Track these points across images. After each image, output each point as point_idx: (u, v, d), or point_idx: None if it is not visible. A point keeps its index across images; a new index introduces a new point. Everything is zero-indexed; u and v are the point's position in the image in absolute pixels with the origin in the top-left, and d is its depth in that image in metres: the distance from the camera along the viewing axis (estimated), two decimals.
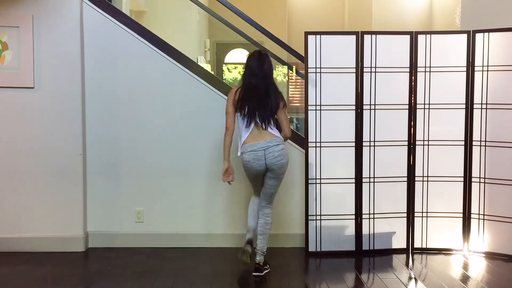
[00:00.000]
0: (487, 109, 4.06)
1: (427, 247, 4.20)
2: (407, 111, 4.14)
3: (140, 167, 4.25)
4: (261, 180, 3.66)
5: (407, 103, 4.14)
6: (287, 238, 4.27)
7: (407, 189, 4.17)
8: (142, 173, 4.26)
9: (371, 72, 4.10)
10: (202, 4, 5.69)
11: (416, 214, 4.19)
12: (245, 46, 9.23)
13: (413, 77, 4.13)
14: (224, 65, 9.90)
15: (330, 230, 4.14)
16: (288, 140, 4.18)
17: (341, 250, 4.14)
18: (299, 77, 7.86)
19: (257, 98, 3.52)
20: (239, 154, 3.61)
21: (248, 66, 3.60)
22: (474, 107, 4.10)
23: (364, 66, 4.09)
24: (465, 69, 4.10)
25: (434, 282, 3.56)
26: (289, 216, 4.29)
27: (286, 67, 7.61)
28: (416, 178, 4.17)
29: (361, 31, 4.11)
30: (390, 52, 4.11)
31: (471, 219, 4.15)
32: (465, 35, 4.10)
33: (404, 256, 4.14)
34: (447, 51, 4.11)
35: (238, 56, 9.74)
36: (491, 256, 4.06)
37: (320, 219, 4.13)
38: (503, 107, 4.01)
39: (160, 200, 4.28)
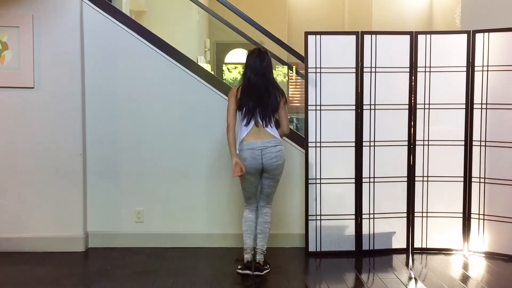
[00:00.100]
0: (487, 109, 4.06)
1: (427, 247, 4.20)
2: (407, 111, 4.14)
3: (140, 167, 4.25)
4: (257, 181, 3.64)
5: (407, 103, 4.14)
6: (287, 238, 4.27)
7: (407, 189, 4.17)
8: (142, 173, 4.26)
9: (371, 72, 4.10)
10: (202, 4, 5.69)
11: (416, 214, 4.19)
12: (245, 46, 9.20)
13: (413, 77, 4.13)
14: (224, 65, 9.89)
15: (330, 230, 4.14)
16: (288, 140, 4.18)
17: (341, 250, 4.14)
18: (299, 77, 7.86)
19: (257, 96, 3.53)
20: (237, 152, 3.61)
21: (248, 63, 3.61)
22: (474, 107, 4.10)
23: (364, 66, 4.09)
24: (465, 69, 4.10)
25: (434, 282, 3.56)
26: (289, 216, 4.29)
27: (286, 67, 7.61)
28: (416, 178, 4.17)
29: (361, 31, 4.11)
30: (390, 52, 4.11)
31: (471, 219, 4.15)
32: (465, 35, 4.10)
33: (404, 256, 4.14)
34: (447, 51, 4.11)
35: (238, 56, 9.73)
36: (491, 256, 4.06)
37: (320, 219, 4.13)
38: (503, 107, 4.01)
39: (160, 200, 4.28)
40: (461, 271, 3.84)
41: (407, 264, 3.99)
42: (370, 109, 4.11)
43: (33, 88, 4.09)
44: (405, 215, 4.19)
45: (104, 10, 4.16)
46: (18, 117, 4.11)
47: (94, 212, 4.26)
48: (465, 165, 4.14)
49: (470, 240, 4.16)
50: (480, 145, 4.09)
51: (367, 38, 4.09)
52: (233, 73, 9.86)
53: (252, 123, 3.55)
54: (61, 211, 4.16)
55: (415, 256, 4.13)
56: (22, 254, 4.07)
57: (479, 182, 4.11)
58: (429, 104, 4.14)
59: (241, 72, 3.69)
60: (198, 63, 5.33)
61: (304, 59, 4.12)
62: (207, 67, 7.10)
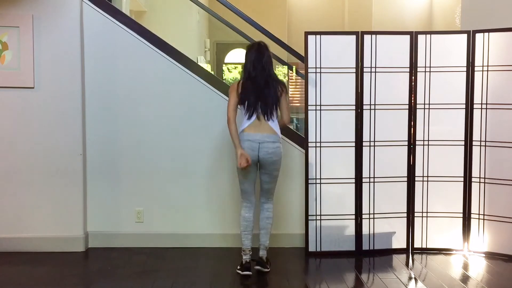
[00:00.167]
0: (487, 109, 4.06)
1: (427, 247, 4.20)
2: (407, 111, 4.14)
3: (140, 167, 4.25)
4: (253, 174, 3.65)
5: (407, 103, 4.14)
6: (287, 238, 4.27)
7: (407, 189, 4.17)
8: (142, 173, 4.26)
9: (371, 72, 4.10)
10: (202, 4, 5.69)
11: (416, 214, 4.19)
12: (245, 46, 9.14)
13: (413, 77, 4.13)
14: (224, 65, 9.90)
15: (330, 230, 4.14)
16: (288, 140, 4.18)
17: (341, 250, 4.14)
18: (299, 77, 7.87)
19: (257, 90, 3.56)
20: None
21: (247, 58, 3.65)
22: (474, 107, 4.10)
23: (364, 66, 4.09)
24: (465, 69, 4.10)
25: (434, 282, 3.56)
26: (289, 216, 4.29)
27: (286, 67, 7.61)
28: (416, 178, 4.17)
29: (361, 31, 4.11)
30: (390, 52, 4.11)
31: (471, 219, 4.15)
32: (465, 35, 4.10)
33: (404, 256, 4.14)
34: (447, 51, 4.11)
35: (238, 56, 9.73)
36: (491, 256, 4.06)
37: (320, 219, 4.13)
38: (503, 107, 4.01)
39: (160, 200, 4.28)
40: (461, 271, 3.84)
41: (407, 264, 3.99)
42: (370, 109, 4.11)
43: (33, 88, 4.09)
44: (405, 215, 4.19)
45: (104, 10, 4.16)
46: (18, 117, 4.11)
47: (94, 212, 4.26)
48: (465, 165, 4.14)
49: (470, 240, 4.16)
50: (480, 145, 4.09)
51: (367, 38, 4.09)
52: (233, 73, 9.86)
53: (254, 116, 3.58)
54: (61, 211, 4.16)
55: (415, 256, 4.13)
56: (22, 254, 4.07)
57: (479, 182, 4.11)
58: (429, 104, 4.14)
59: (242, 65, 3.71)
60: (198, 63, 5.33)
61: (304, 59, 4.12)
62: (207, 67, 7.10)
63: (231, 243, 4.22)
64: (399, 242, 4.20)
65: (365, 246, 4.15)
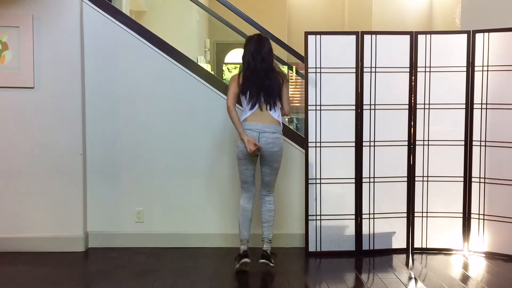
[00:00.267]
0: (487, 109, 4.06)
1: (427, 247, 4.20)
2: (407, 111, 4.14)
3: (140, 167, 4.25)
4: (253, 165, 3.67)
5: (407, 103, 4.14)
6: (287, 238, 4.27)
7: (407, 189, 4.17)
8: (142, 173, 4.26)
9: (371, 72, 4.10)
10: (202, 4, 5.69)
11: (416, 214, 4.19)
12: None
13: (413, 77, 4.13)
14: (224, 65, 9.89)
15: (330, 230, 4.14)
16: (288, 140, 4.18)
17: (341, 250, 4.14)
18: (299, 77, 7.86)
19: (258, 80, 3.57)
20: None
21: (247, 49, 3.66)
22: (474, 107, 4.10)
23: (364, 66, 4.09)
24: (465, 69, 4.10)
25: (434, 282, 3.56)
26: (289, 216, 4.29)
27: (286, 67, 7.61)
28: (416, 178, 4.17)
29: (361, 31, 4.11)
30: (390, 52, 4.11)
31: (471, 219, 4.15)
32: (465, 35, 4.10)
33: (404, 256, 4.14)
34: (447, 51, 4.11)
35: (238, 56, 9.70)
36: (491, 256, 4.06)
37: (320, 219, 4.13)
38: (503, 107, 4.01)
39: (160, 200, 4.28)
40: (461, 271, 3.84)
41: (407, 264, 3.99)
42: (370, 109, 4.11)
43: (33, 88, 4.09)
44: (405, 215, 4.19)
45: (104, 10, 4.16)
46: (18, 117, 4.11)
47: (94, 212, 4.26)
48: (465, 165, 4.14)
49: (470, 240, 4.16)
50: (480, 145, 4.09)
51: (367, 38, 4.09)
52: (233, 73, 9.86)
53: (256, 106, 3.60)
54: (61, 211, 4.16)
55: (415, 256, 4.13)
56: (22, 254, 4.07)
57: (479, 182, 4.11)
58: (429, 104, 4.14)
59: (242, 57, 3.72)
60: (198, 63, 5.33)
61: (304, 59, 4.12)
62: (207, 67, 7.10)
63: (231, 243, 4.22)
64: (399, 242, 4.20)
65: (365, 246, 4.15)
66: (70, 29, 4.08)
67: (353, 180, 4.14)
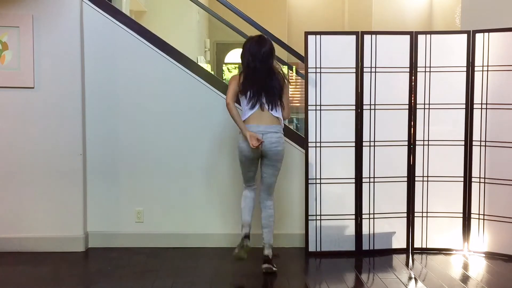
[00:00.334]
0: (487, 109, 4.06)
1: (427, 247, 4.20)
2: (407, 111, 4.14)
3: (140, 167, 4.25)
4: (255, 167, 3.66)
5: (407, 103, 4.14)
6: (287, 238, 4.27)
7: (407, 189, 4.17)
8: (142, 173, 4.26)
9: (371, 72, 4.10)
10: (202, 4, 5.69)
11: (416, 214, 4.19)
12: None
13: (413, 77, 4.13)
14: (224, 65, 9.89)
15: (330, 230, 4.14)
16: (288, 140, 4.18)
17: (341, 250, 4.14)
18: (299, 77, 7.86)
19: (259, 80, 3.55)
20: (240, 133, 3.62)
21: (246, 48, 3.62)
22: (474, 107, 4.10)
23: (364, 66, 4.09)
24: (465, 69, 4.10)
25: (434, 282, 3.56)
26: (289, 216, 4.29)
27: (286, 67, 7.61)
28: (416, 178, 4.17)
29: (361, 31, 4.11)
30: (390, 52, 4.11)
31: (471, 219, 4.15)
32: (465, 35, 4.10)
33: (404, 256, 4.14)
34: (447, 51, 4.11)
35: (238, 56, 9.71)
36: (491, 256, 4.06)
37: (320, 219, 4.13)
38: (503, 107, 4.01)
39: (160, 200, 4.28)
40: (461, 271, 3.84)
41: (407, 264, 3.99)
42: (370, 109, 4.11)
43: (33, 88, 4.09)
44: (405, 215, 4.19)
45: (104, 10, 4.16)
46: (18, 117, 4.11)
47: (94, 212, 4.25)
48: (465, 165, 4.14)
49: (470, 240, 4.16)
50: (480, 145, 4.09)
51: (367, 38, 4.09)
52: (233, 73, 9.86)
53: (257, 106, 3.57)
54: (61, 211, 4.16)
55: (415, 256, 4.13)
56: (22, 254, 4.07)
57: (479, 182, 4.11)
58: (429, 104, 4.14)
59: (241, 56, 3.68)
60: (198, 63, 5.33)
61: (304, 59, 4.12)
62: (207, 67, 7.10)
63: (231, 243, 4.21)
64: (399, 242, 4.20)
65: (365, 246, 4.15)
66: (70, 29, 4.08)
67: (353, 180, 4.14)
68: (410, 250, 4.20)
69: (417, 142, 4.16)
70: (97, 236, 4.25)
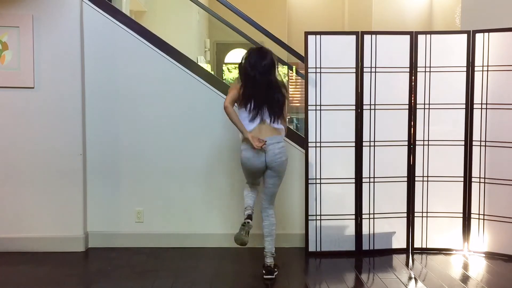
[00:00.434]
0: (487, 109, 4.06)
1: (427, 247, 4.20)
2: (407, 111, 4.14)
3: (140, 167, 4.25)
4: (260, 176, 3.65)
5: (407, 103, 4.14)
6: (287, 238, 4.27)
7: (407, 189, 4.17)
8: (142, 173, 4.26)
9: (371, 72, 4.10)
10: (202, 4, 5.69)
11: (416, 214, 4.19)
12: (245, 46, 9.17)
13: (413, 77, 4.13)
14: (224, 65, 9.89)
15: (330, 230, 4.14)
16: (288, 140, 4.18)
17: (341, 250, 4.14)
18: (299, 77, 7.86)
19: (259, 93, 3.49)
20: (241, 138, 3.60)
21: (247, 61, 3.54)
22: (474, 107, 4.10)
23: (364, 66, 4.09)
24: (465, 69, 4.10)
25: (434, 282, 3.56)
26: (289, 216, 4.29)
27: (286, 67, 7.61)
28: (416, 178, 4.17)
29: (361, 31, 4.11)
30: (390, 52, 4.11)
31: (471, 219, 4.15)
32: (465, 35, 4.10)
33: (404, 256, 4.14)
34: (447, 51, 4.11)
35: (238, 56, 9.72)
36: (491, 256, 4.06)
37: (320, 219, 4.13)
38: (503, 107, 4.01)
39: (160, 200, 4.28)
40: (461, 271, 3.84)
41: (407, 264, 3.99)
42: (370, 109, 4.11)
43: (33, 88, 4.09)
44: (405, 215, 4.19)
45: (104, 10, 4.16)
46: (18, 117, 4.11)
47: (94, 212, 4.26)
48: (465, 165, 4.14)
49: (470, 240, 4.16)
50: (480, 145, 4.09)
51: (367, 38, 4.09)
52: (233, 73, 9.86)
53: (257, 120, 3.51)
54: (61, 211, 4.16)
55: (415, 256, 4.13)
56: (22, 254, 4.07)
57: (479, 182, 4.11)
58: (429, 104, 4.14)
59: (240, 66, 3.61)
60: (198, 63, 5.33)
61: (304, 59, 4.12)
62: (207, 67, 7.10)
63: (231, 243, 4.20)
64: (399, 242, 4.20)
65: (365, 246, 4.16)
66: (70, 29, 4.08)
67: (353, 180, 4.14)
68: (410, 250, 4.20)
69: (417, 142, 4.16)
70: (97, 236, 4.25)
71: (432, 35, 4.13)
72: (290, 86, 9.55)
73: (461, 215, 4.17)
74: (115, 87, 4.21)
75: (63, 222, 4.16)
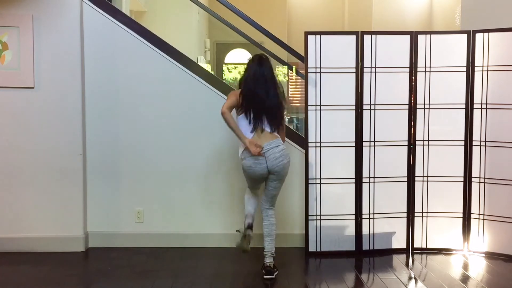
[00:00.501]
0: (487, 109, 4.06)
1: (427, 247, 4.20)
2: (407, 111, 4.14)
3: (140, 167, 4.25)
4: (262, 183, 3.66)
5: (407, 103, 4.14)
6: (287, 238, 4.27)
7: (407, 189, 4.17)
8: (142, 173, 4.26)
9: (371, 72, 4.10)
10: (202, 4, 5.69)
11: (416, 214, 4.19)
12: (245, 46, 9.23)
13: (413, 77, 4.13)
14: (224, 65, 9.90)
15: (330, 230, 4.14)
16: (288, 140, 4.18)
17: (341, 250, 4.14)
18: (299, 77, 7.86)
19: (261, 102, 3.49)
20: (240, 154, 3.60)
21: (248, 70, 3.57)
22: (474, 107, 4.10)
23: (364, 66, 4.09)
24: (465, 69, 4.10)
25: (434, 282, 3.56)
26: (289, 216, 4.29)
27: (286, 67, 7.61)
28: (416, 178, 4.17)
29: (361, 31, 4.11)
30: (390, 52, 4.11)
31: (471, 219, 4.15)
32: (465, 35, 4.10)
33: (404, 256, 4.14)
34: (447, 51, 4.11)
35: (238, 56, 9.73)
36: (491, 256, 4.06)
37: (320, 219, 4.13)
38: (503, 107, 4.01)
39: (160, 200, 4.28)
40: (461, 271, 3.84)
41: (407, 264, 3.99)
42: (370, 109, 4.11)
43: (33, 88, 4.09)
44: (405, 215, 4.19)
45: (104, 10, 4.16)
46: (18, 117, 4.11)
47: (94, 212, 4.26)
48: (465, 165, 4.14)
49: (470, 240, 4.16)
50: (480, 145, 4.09)
51: (367, 38, 4.09)
52: (233, 73, 9.86)
53: (257, 127, 3.52)
54: (61, 211, 4.16)
55: (415, 256, 4.13)
56: (22, 254, 4.07)
57: (479, 182, 4.11)
58: (429, 104, 4.14)
59: (241, 77, 3.65)
60: (198, 63, 5.33)
61: (304, 59, 4.12)
62: (207, 67, 7.10)
63: (231, 243, 4.21)
64: (399, 242, 4.20)
65: (365, 246, 4.15)
66: (70, 29, 4.08)
67: (353, 180, 4.14)
68: (410, 250, 4.20)
69: (417, 142, 4.16)
70: (97, 236, 4.25)
71: (432, 35, 4.14)
72: (290, 86, 9.56)
73: (461, 215, 4.17)
74: (115, 87, 4.21)
75: (63, 222, 4.16)
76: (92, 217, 4.26)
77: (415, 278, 3.65)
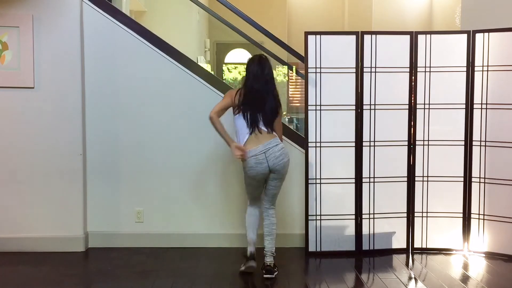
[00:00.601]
0: (487, 109, 4.06)
1: (427, 247, 4.20)
2: (407, 111, 4.14)
3: (140, 167, 4.25)
4: (262, 185, 3.66)
5: (407, 103, 4.14)
6: (287, 238, 4.27)
7: (407, 189, 4.17)
8: (142, 173, 4.26)
9: (371, 72, 4.10)
10: (202, 4, 5.69)
11: (416, 214, 4.19)
12: (245, 46, 9.22)
13: (413, 77, 4.13)
14: (224, 65, 9.89)
15: (330, 230, 4.14)
16: (288, 140, 4.19)
17: (341, 250, 4.14)
18: (299, 77, 7.87)
19: (259, 103, 3.52)
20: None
21: (249, 71, 3.59)
22: (474, 107, 4.10)
23: (364, 66, 4.09)
24: (465, 69, 4.10)
25: (434, 282, 3.56)
26: (289, 216, 4.29)
27: (286, 67, 7.61)
28: (416, 178, 4.17)
29: (361, 31, 4.11)
30: (390, 52, 4.11)
31: (471, 219, 4.15)
32: (465, 35, 4.10)
33: (404, 256, 4.14)
34: (447, 51, 4.11)
35: (238, 56, 9.73)
36: (491, 256, 4.06)
37: (320, 219, 4.13)
38: (503, 107, 4.01)
39: (160, 200, 4.28)
40: (461, 271, 3.84)
41: (407, 264, 3.99)
42: (370, 109, 4.11)
43: (33, 88, 4.09)
44: (405, 215, 4.19)
45: (104, 10, 4.16)
46: (18, 117, 4.11)
47: (94, 212, 4.26)
48: (465, 165, 4.14)
49: (470, 240, 4.16)
50: (480, 145, 4.09)
51: (367, 38, 4.09)
52: (233, 73, 9.86)
53: (255, 129, 3.53)
54: (61, 211, 4.16)
55: (415, 256, 4.13)
56: (22, 254, 4.07)
57: (479, 182, 4.11)
58: (429, 104, 4.14)
59: (242, 78, 3.66)
60: (198, 63, 5.33)
61: (304, 59, 4.12)
62: (207, 67, 7.10)
63: (231, 243, 4.23)
64: (399, 242, 4.20)
65: (365, 246, 4.15)
66: (70, 29, 4.08)
67: (353, 180, 4.14)
68: (410, 250, 4.20)
69: (417, 142, 4.16)
70: (97, 236, 4.25)
71: (432, 35, 4.14)
72: (290, 86, 9.56)
73: (461, 215, 4.17)
74: (115, 87, 4.21)
75: (63, 222, 4.16)
76: (92, 217, 4.26)
77: (415, 278, 3.65)
